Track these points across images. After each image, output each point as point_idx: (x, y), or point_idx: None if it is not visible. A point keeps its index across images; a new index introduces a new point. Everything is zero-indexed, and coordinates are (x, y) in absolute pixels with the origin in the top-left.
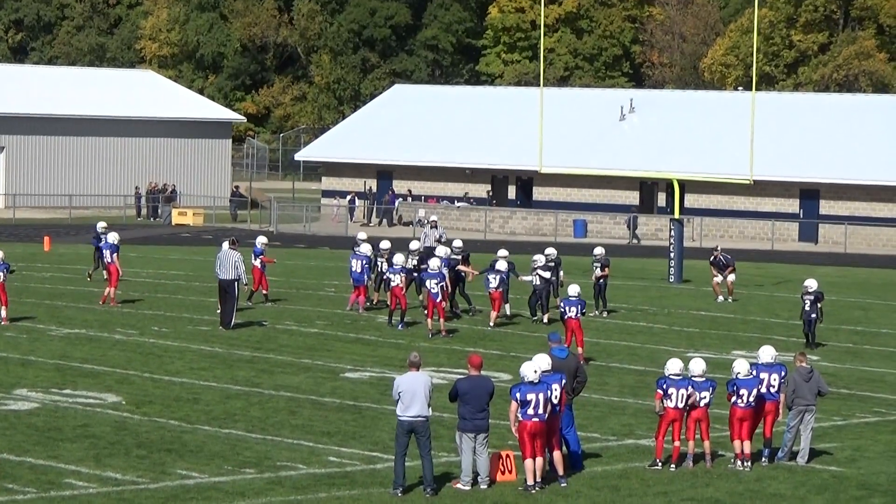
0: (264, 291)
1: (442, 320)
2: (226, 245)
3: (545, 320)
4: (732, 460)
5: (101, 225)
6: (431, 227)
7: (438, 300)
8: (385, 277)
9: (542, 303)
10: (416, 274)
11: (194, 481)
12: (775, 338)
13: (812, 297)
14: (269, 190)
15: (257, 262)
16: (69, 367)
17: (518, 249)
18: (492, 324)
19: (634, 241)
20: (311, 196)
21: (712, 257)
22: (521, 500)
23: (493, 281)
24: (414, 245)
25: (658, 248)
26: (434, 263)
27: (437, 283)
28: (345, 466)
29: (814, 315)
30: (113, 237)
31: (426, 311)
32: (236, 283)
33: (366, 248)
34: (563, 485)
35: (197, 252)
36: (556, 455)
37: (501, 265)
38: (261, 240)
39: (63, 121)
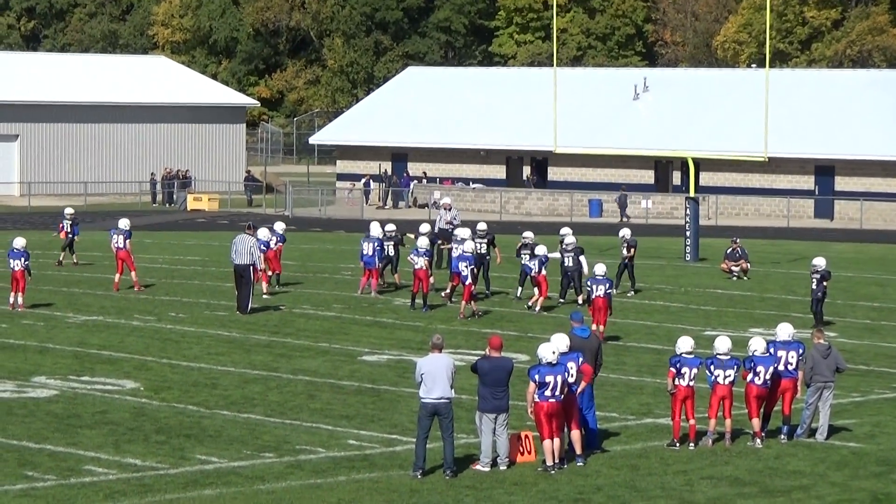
0: (278, 272)
1: (473, 303)
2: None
3: (580, 301)
4: (751, 438)
5: (68, 210)
6: (445, 210)
7: (468, 283)
8: (409, 259)
9: (575, 284)
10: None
11: (214, 466)
12: (792, 315)
13: (819, 276)
14: (284, 174)
15: (272, 246)
16: (87, 354)
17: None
18: (537, 308)
19: (625, 219)
20: (326, 180)
21: (730, 249)
22: (540, 481)
23: (535, 266)
24: (424, 228)
25: (674, 226)
26: (423, 242)
27: (467, 266)
28: (364, 449)
29: (823, 293)
30: (124, 223)
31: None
32: (251, 268)
33: (377, 231)
34: (580, 464)
35: (213, 237)
36: (575, 434)
37: (541, 249)
38: (279, 225)
39: (77, 108)
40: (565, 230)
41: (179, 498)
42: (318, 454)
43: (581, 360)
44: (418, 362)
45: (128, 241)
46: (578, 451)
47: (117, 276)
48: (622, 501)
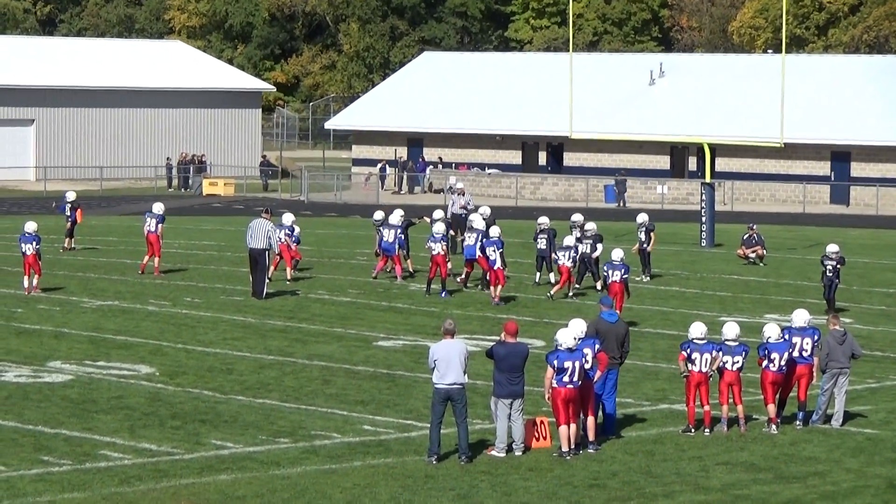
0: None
1: (500, 287)
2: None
3: (598, 287)
4: (766, 424)
5: (70, 195)
6: (458, 195)
7: (496, 267)
8: (427, 246)
9: (592, 270)
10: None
11: (229, 451)
12: (808, 301)
13: (833, 262)
14: (300, 159)
15: (283, 238)
16: (102, 339)
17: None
18: (552, 292)
19: (621, 204)
20: (342, 165)
21: (746, 235)
22: (555, 466)
23: (563, 258)
24: (438, 214)
25: (689, 212)
26: (439, 228)
27: (495, 250)
28: (379, 435)
29: (836, 280)
30: (158, 207)
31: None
32: (267, 253)
33: (396, 219)
34: (592, 451)
35: (228, 222)
36: (590, 421)
37: (570, 240)
38: (288, 217)
39: (93, 93)
40: (577, 216)
41: (195, 483)
42: (333, 439)
43: (597, 346)
44: (431, 348)
45: (160, 225)
46: (592, 437)
47: (146, 258)
48: (637, 487)
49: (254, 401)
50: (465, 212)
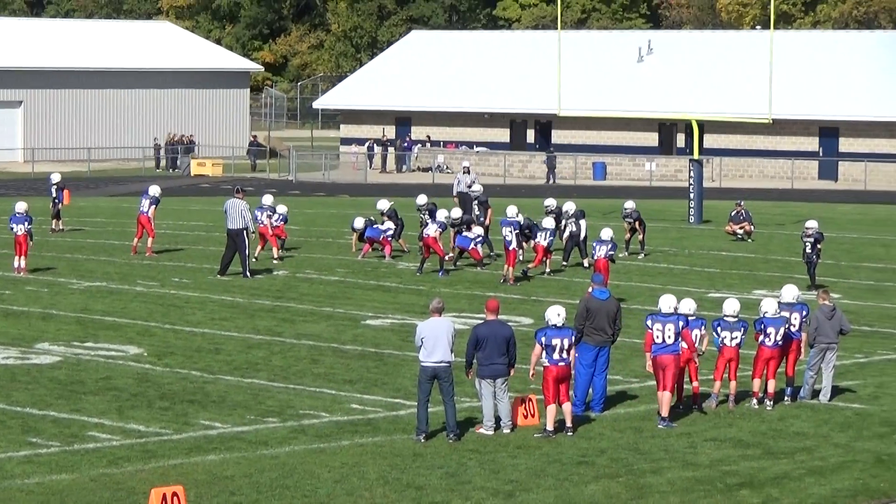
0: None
1: (511, 269)
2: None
3: (585, 264)
4: (749, 399)
5: (55, 177)
6: (464, 173)
7: (511, 247)
8: (422, 225)
9: (581, 248)
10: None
11: (217, 431)
12: (796, 276)
13: (812, 239)
14: (288, 139)
15: (264, 220)
16: (90, 320)
17: (538, 193)
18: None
19: (551, 181)
20: (330, 144)
21: (734, 211)
22: (543, 444)
23: (541, 237)
24: (422, 200)
25: (678, 188)
26: (441, 215)
27: (511, 231)
28: (367, 414)
29: (816, 257)
30: (154, 190)
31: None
32: (245, 232)
33: (383, 205)
34: (569, 435)
35: (217, 202)
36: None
37: (549, 222)
38: (268, 198)
39: (81, 74)
40: (549, 201)
41: (183, 463)
42: (321, 419)
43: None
44: (418, 326)
45: (153, 206)
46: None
47: (136, 239)
48: (626, 464)
49: (242, 380)
50: (470, 190)
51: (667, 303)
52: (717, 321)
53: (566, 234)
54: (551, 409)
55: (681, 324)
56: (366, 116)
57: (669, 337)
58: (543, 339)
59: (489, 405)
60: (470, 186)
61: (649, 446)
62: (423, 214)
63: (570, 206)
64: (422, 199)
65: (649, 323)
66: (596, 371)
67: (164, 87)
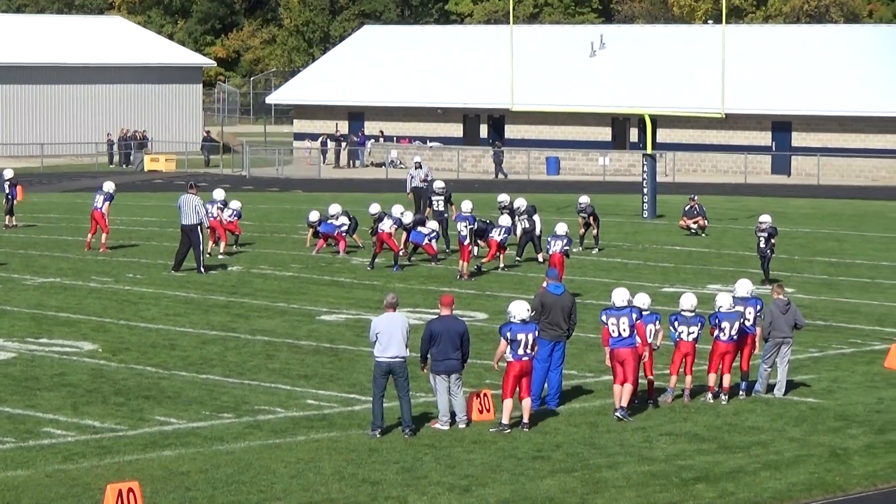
0: (223, 241)
1: (466, 263)
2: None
3: (540, 258)
4: (704, 393)
5: (7, 173)
6: (416, 168)
7: (466, 242)
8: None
9: (535, 243)
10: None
11: (172, 427)
12: (750, 271)
13: (766, 234)
14: (241, 134)
15: (215, 213)
16: (44, 316)
17: (491, 188)
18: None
19: (501, 175)
20: (283, 139)
21: (688, 206)
22: (499, 439)
23: (496, 234)
24: (374, 209)
25: (631, 183)
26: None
27: (466, 226)
28: (323, 409)
29: (770, 252)
30: (108, 186)
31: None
32: (199, 228)
33: (335, 209)
34: (525, 430)
35: (170, 198)
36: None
37: (505, 220)
38: (220, 193)
39: (33, 69)
40: (503, 196)
41: (139, 459)
42: (276, 414)
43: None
44: (373, 321)
45: (107, 203)
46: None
47: (90, 235)
48: (581, 458)
49: (197, 376)
50: (425, 184)
51: (619, 296)
52: (673, 315)
53: (519, 230)
54: (507, 404)
55: (634, 316)
56: (319, 111)
57: (625, 330)
58: (509, 335)
59: (444, 400)
60: (425, 180)
61: (605, 441)
62: (376, 224)
63: (521, 203)
64: (374, 209)
65: (604, 318)
66: (551, 366)
67: (116, 83)
